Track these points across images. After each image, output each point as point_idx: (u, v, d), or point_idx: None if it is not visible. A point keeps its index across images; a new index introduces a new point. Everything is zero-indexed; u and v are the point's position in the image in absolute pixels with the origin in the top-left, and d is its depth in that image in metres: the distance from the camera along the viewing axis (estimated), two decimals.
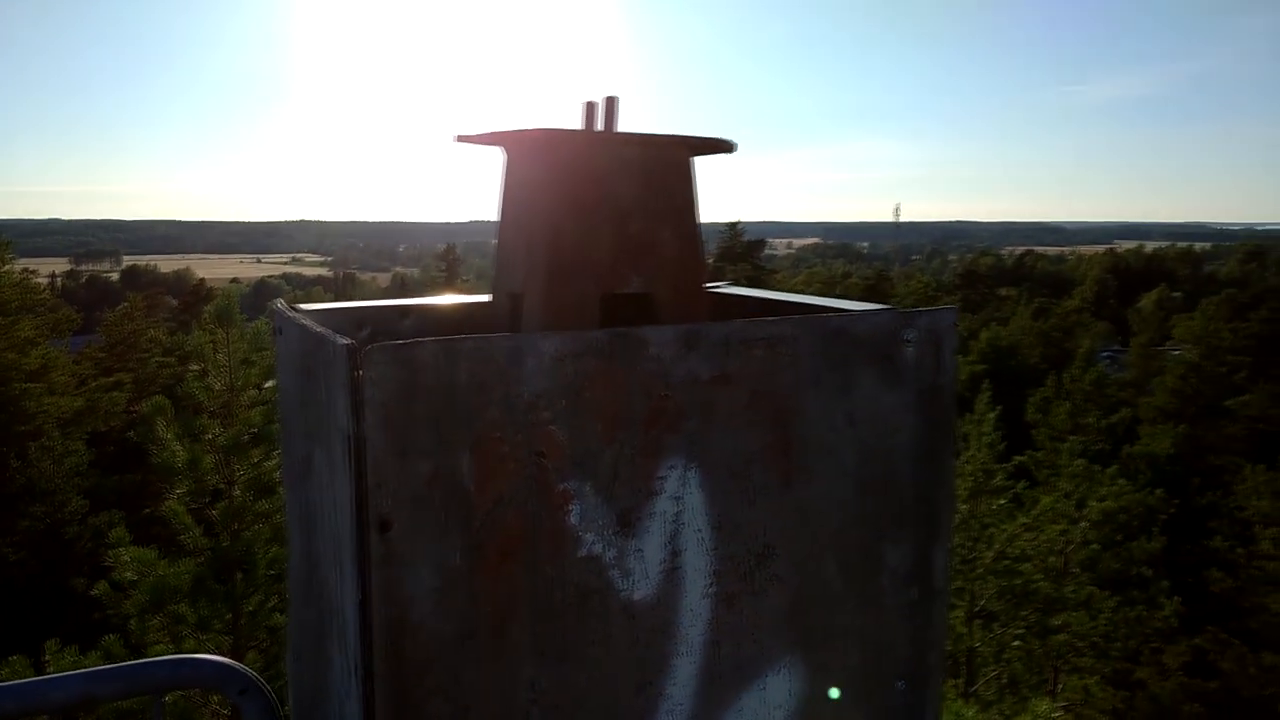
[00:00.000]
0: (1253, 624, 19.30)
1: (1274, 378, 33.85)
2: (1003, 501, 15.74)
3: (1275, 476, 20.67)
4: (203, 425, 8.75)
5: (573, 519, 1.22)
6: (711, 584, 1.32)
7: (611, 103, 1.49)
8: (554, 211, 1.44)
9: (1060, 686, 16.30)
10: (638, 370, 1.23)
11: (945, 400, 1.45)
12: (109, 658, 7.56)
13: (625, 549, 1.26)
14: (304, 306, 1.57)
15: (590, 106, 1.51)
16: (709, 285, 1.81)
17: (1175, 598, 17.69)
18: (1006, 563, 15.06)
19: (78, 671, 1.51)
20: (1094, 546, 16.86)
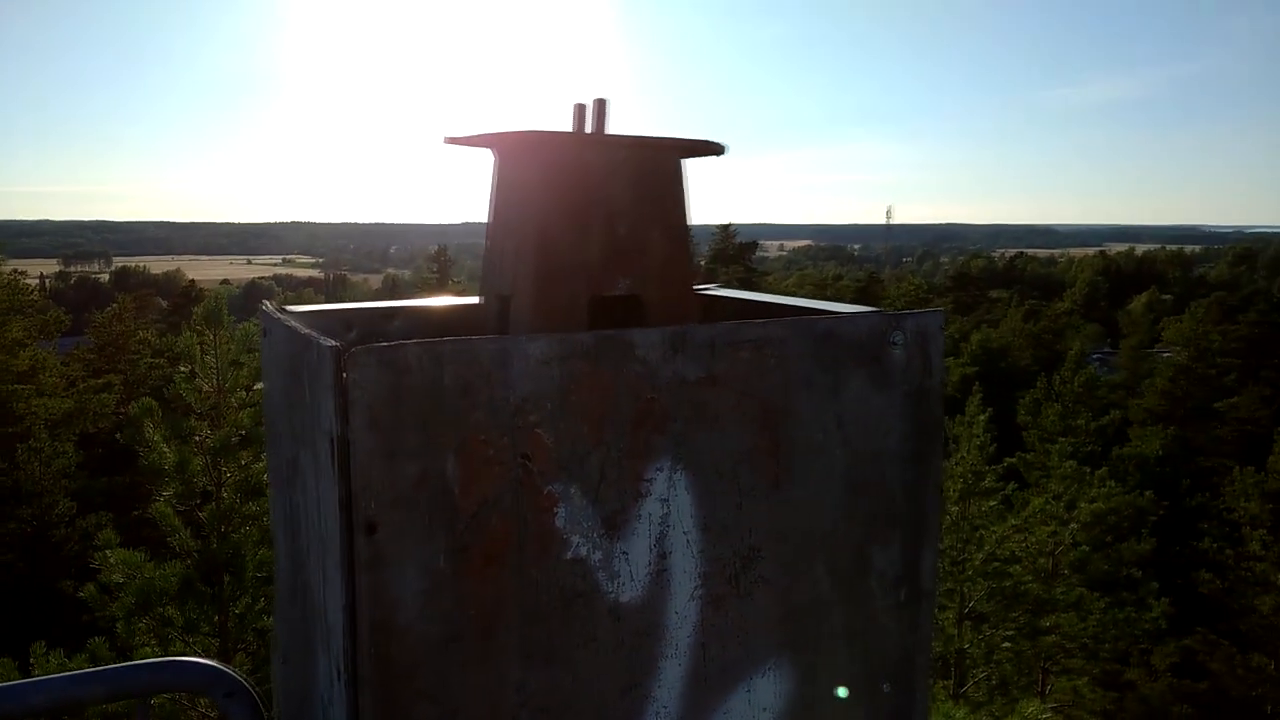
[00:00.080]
0: (1241, 625, 19.39)
1: (1263, 380, 34.03)
2: (993, 503, 15.79)
3: (1264, 478, 20.77)
4: (191, 427, 8.73)
5: (559, 521, 1.22)
6: (699, 586, 1.32)
7: (601, 105, 1.49)
8: (543, 214, 1.44)
9: (1050, 687, 16.35)
10: (624, 372, 1.23)
11: (933, 402, 1.45)
12: (95, 660, 7.53)
13: (612, 551, 1.26)
14: (291, 308, 1.56)
15: (580, 108, 1.50)
16: (699, 287, 1.81)
17: (1164, 599, 17.76)
18: (997, 564, 15.10)
19: (60, 675, 1.50)
20: (1084, 548, 16.93)
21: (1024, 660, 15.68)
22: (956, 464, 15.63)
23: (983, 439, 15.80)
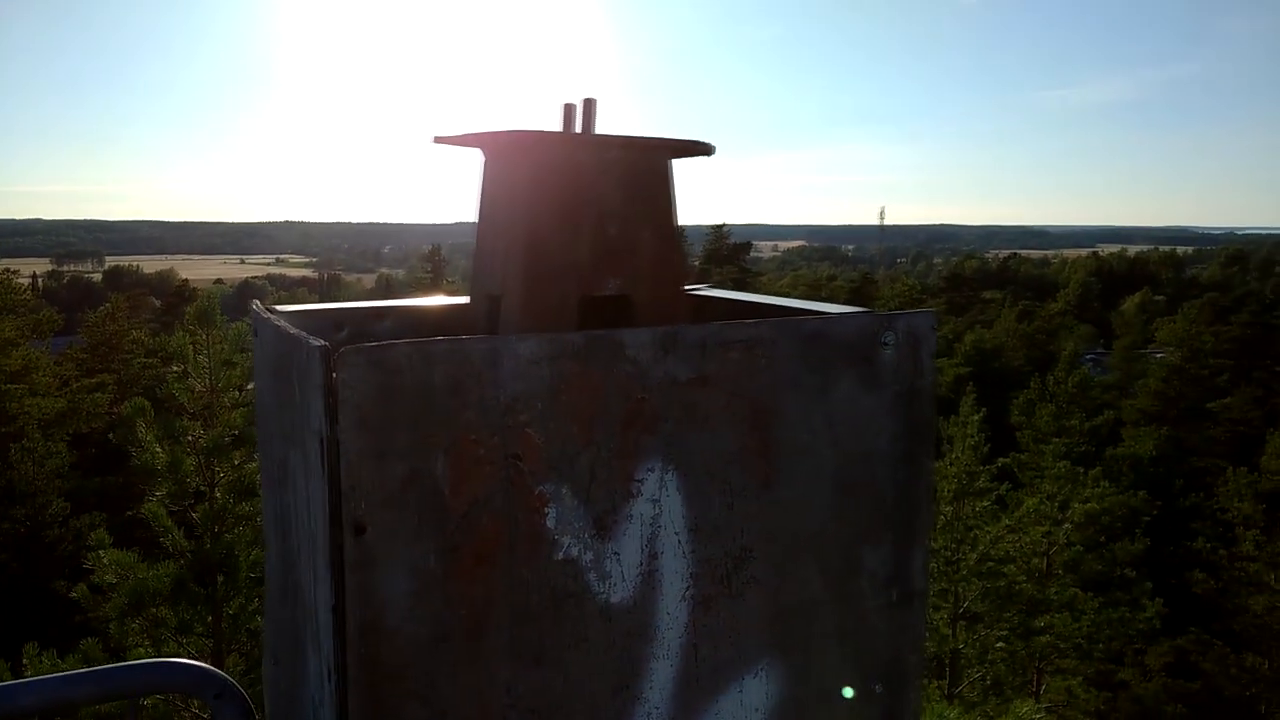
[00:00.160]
0: (1234, 625, 19.45)
1: (1255, 381, 34.13)
2: (987, 503, 15.81)
3: (1257, 479, 20.84)
4: (184, 427, 8.70)
5: (549, 522, 1.22)
6: (689, 587, 1.32)
7: (590, 104, 1.49)
8: (532, 213, 1.44)
9: (1043, 687, 16.37)
10: (615, 372, 1.23)
11: (924, 402, 1.45)
12: (88, 661, 7.51)
13: (602, 552, 1.25)
14: (281, 308, 1.56)
15: (569, 108, 1.50)
16: (689, 288, 1.81)
17: (1158, 599, 17.80)
18: (990, 564, 15.12)
19: (51, 675, 1.49)
20: (1077, 548, 16.97)
21: (1018, 660, 15.71)
22: (950, 464, 15.65)
23: (976, 439, 15.81)
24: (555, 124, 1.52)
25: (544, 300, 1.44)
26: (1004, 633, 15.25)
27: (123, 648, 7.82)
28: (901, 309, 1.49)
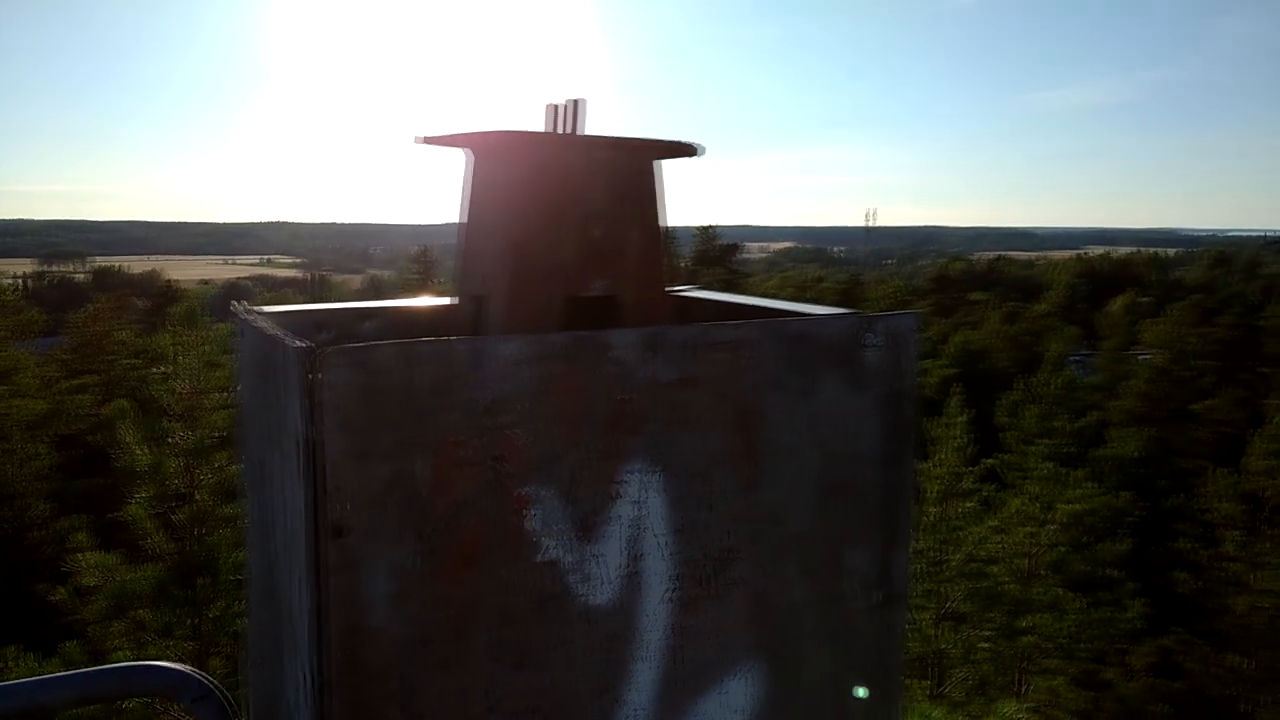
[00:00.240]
0: (1217, 625, 19.55)
1: (1239, 382, 34.37)
2: (972, 504, 15.87)
3: (1240, 480, 20.95)
4: (167, 429, 8.65)
5: (532, 524, 1.21)
6: (672, 589, 1.31)
7: (576, 105, 1.49)
8: (517, 214, 1.43)
9: (1028, 687, 16.44)
10: (599, 373, 1.23)
11: (907, 404, 1.46)
12: (69, 664, 7.46)
13: (585, 554, 1.25)
14: (264, 309, 1.55)
15: (555, 109, 1.50)
16: (674, 289, 1.81)
17: (1142, 599, 17.89)
18: (975, 565, 15.19)
19: (28, 679, 1.48)
20: (1062, 549, 17.04)
21: (1002, 660, 15.77)
22: (936, 465, 15.70)
23: (962, 440, 15.88)
24: (541, 124, 1.52)
25: (529, 301, 1.44)
26: (989, 633, 15.31)
27: (105, 650, 7.77)
28: (889, 310, 1.49)
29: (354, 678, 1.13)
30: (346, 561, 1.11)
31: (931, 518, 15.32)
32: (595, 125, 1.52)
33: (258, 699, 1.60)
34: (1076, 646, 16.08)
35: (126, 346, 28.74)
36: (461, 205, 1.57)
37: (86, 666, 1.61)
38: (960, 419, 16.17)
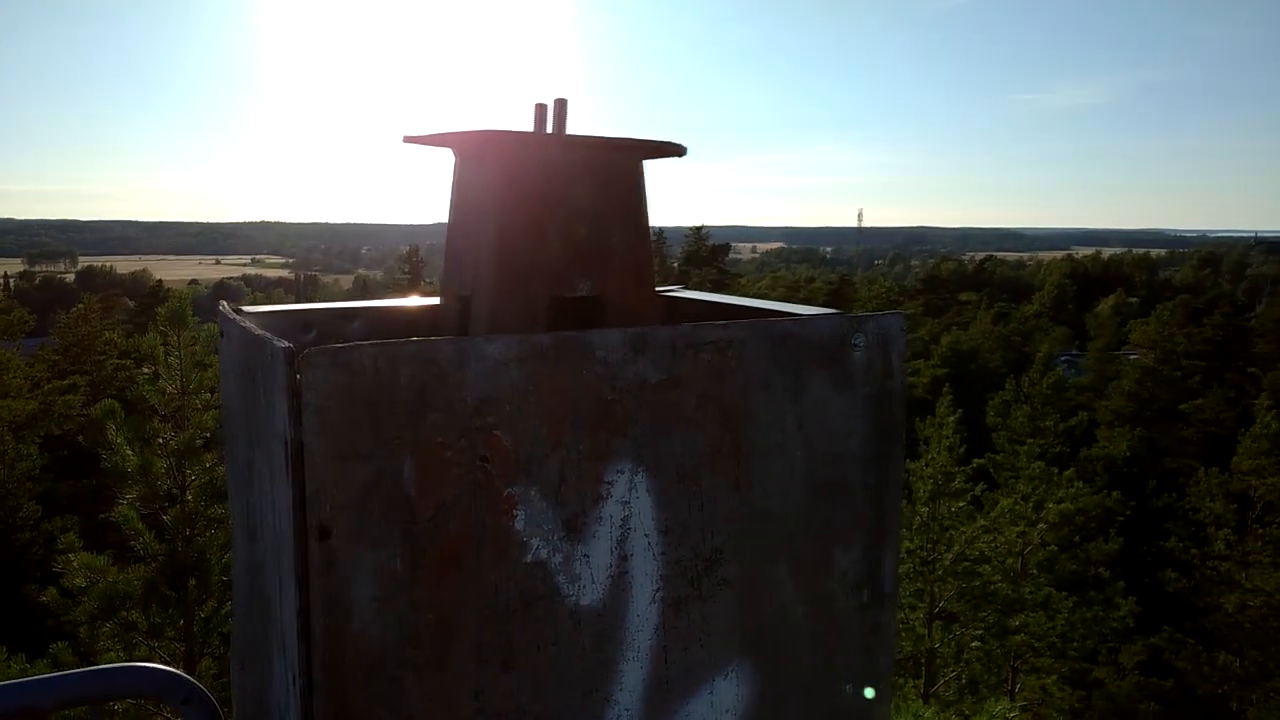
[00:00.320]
0: (1207, 623, 19.64)
1: (1227, 382, 34.53)
2: (962, 504, 15.89)
3: (1228, 479, 21.05)
4: (155, 429, 8.62)
5: (518, 524, 1.21)
6: (660, 589, 1.31)
7: (561, 105, 1.48)
8: (502, 214, 1.43)
9: (1019, 686, 16.48)
10: (585, 374, 1.22)
11: (894, 404, 1.46)
12: (58, 665, 7.42)
13: (572, 554, 1.25)
14: (249, 309, 1.55)
15: (540, 108, 1.49)
16: (661, 289, 1.80)
17: (1131, 598, 17.95)
18: (966, 564, 15.21)
19: (13, 681, 1.47)
20: (1052, 548, 17.09)
21: (993, 659, 15.80)
22: (926, 465, 15.73)
23: (952, 440, 15.90)
24: (527, 124, 1.52)
25: (514, 301, 1.43)
26: (979, 632, 15.34)
27: (93, 652, 7.73)
28: (880, 310, 1.49)
29: (340, 679, 1.12)
30: (332, 563, 1.10)
31: (922, 517, 15.34)
32: (581, 126, 1.51)
33: (244, 701, 1.60)
34: (1067, 645, 16.13)
35: (115, 347, 28.62)
36: (447, 205, 1.57)
37: (75, 668, 1.60)
38: (950, 419, 16.20)
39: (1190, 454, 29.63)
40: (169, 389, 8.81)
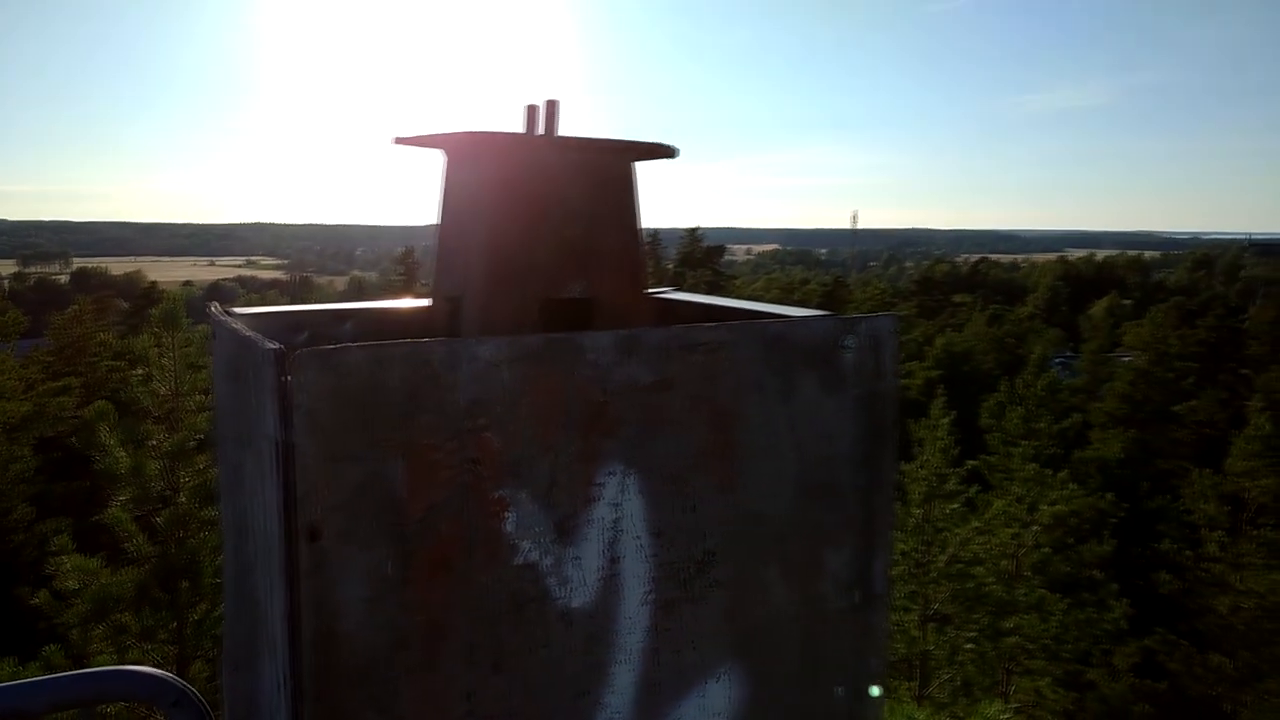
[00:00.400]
0: (1200, 625, 19.69)
1: (1220, 384, 34.62)
2: (956, 505, 15.91)
3: (1221, 480, 21.11)
4: (147, 431, 8.59)
5: (509, 526, 1.21)
6: (650, 591, 1.31)
7: (552, 106, 1.48)
8: (493, 215, 1.43)
9: (1012, 688, 16.50)
10: (575, 376, 1.22)
11: (886, 405, 1.46)
12: (49, 668, 7.39)
13: (563, 556, 1.25)
14: (239, 310, 1.54)
15: (531, 110, 1.49)
16: (653, 291, 1.80)
17: (1124, 600, 17.98)
18: (959, 566, 15.23)
19: (3, 684, 1.47)
20: (1045, 550, 17.11)
21: (987, 661, 15.82)
22: (920, 467, 15.75)
23: (946, 442, 15.93)
24: (519, 125, 1.51)
25: (505, 302, 1.43)
26: (973, 634, 15.35)
27: (86, 654, 7.71)
28: (874, 312, 1.49)
29: (329, 682, 1.12)
30: (321, 564, 1.10)
31: (915, 519, 15.36)
32: (574, 128, 1.51)
33: (234, 703, 1.59)
34: (1060, 647, 16.15)
35: (108, 348, 28.54)
36: (438, 206, 1.57)
37: (67, 671, 1.59)
38: (944, 421, 16.22)
39: (1183, 456, 29.70)
40: (162, 390, 8.79)
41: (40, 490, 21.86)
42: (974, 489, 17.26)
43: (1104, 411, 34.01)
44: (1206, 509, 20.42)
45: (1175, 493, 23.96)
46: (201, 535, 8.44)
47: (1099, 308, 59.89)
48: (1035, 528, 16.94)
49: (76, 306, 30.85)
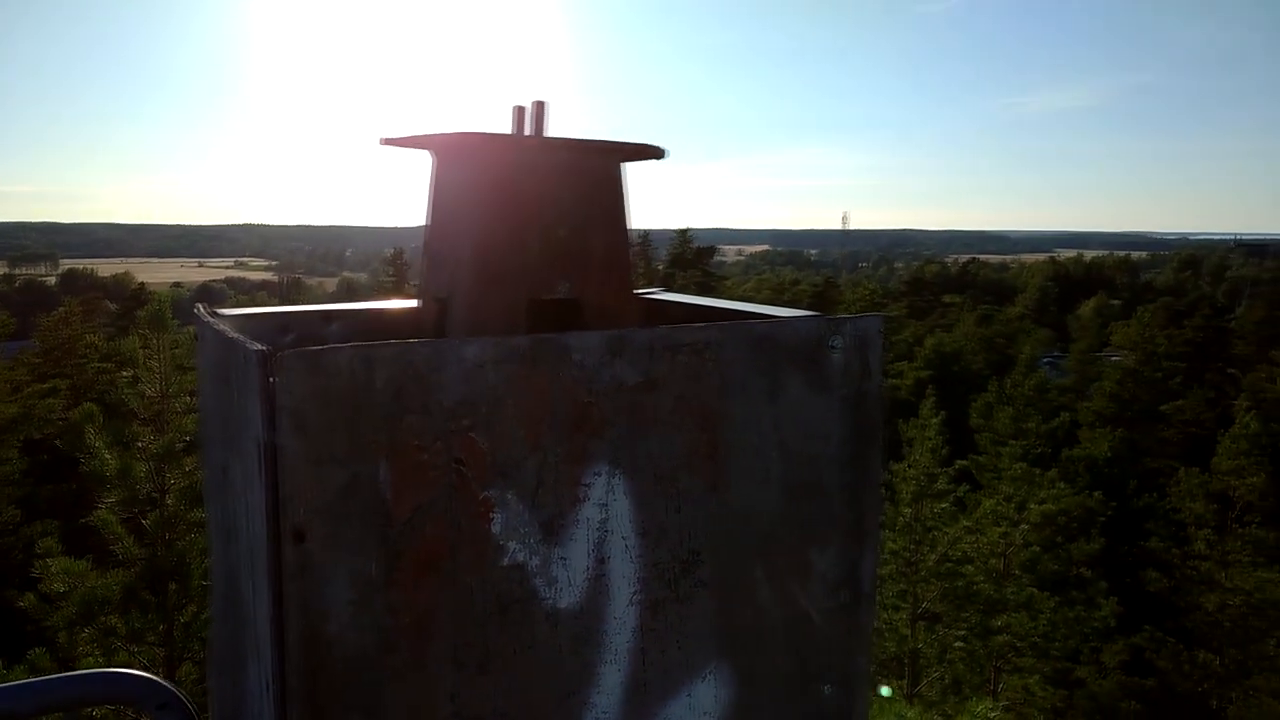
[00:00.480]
0: (1187, 623, 19.80)
1: (1207, 383, 34.81)
2: (946, 505, 15.97)
3: (1208, 479, 21.22)
4: (135, 432, 8.55)
5: (495, 527, 1.20)
6: (638, 591, 1.31)
7: (540, 107, 1.48)
8: (480, 216, 1.43)
9: (1001, 686, 16.56)
10: (562, 376, 1.22)
11: (872, 406, 1.46)
12: (35, 671, 7.36)
13: (550, 557, 1.25)
14: (225, 311, 1.54)
15: (519, 110, 1.49)
16: (642, 291, 1.81)
17: (1113, 598, 18.08)
18: (949, 565, 15.29)
19: None
20: (1034, 548, 17.18)
21: (976, 659, 15.88)
22: (910, 466, 15.80)
23: (936, 442, 15.98)
24: (507, 126, 1.51)
25: (492, 303, 1.43)
26: (963, 632, 15.41)
27: (73, 657, 7.68)
28: (864, 313, 1.49)
29: (315, 685, 1.12)
30: (306, 566, 1.09)
31: (905, 518, 15.41)
32: (563, 129, 1.51)
33: (220, 706, 1.59)
34: (1049, 645, 16.22)
35: (96, 350, 28.41)
36: (426, 207, 1.56)
37: (54, 674, 1.59)
38: (934, 420, 16.28)
39: (1171, 454, 29.86)
40: (149, 392, 8.75)
41: (27, 492, 21.75)
42: (963, 488, 17.34)
43: (1092, 411, 34.15)
44: (1194, 507, 20.54)
45: (1163, 491, 24.08)
46: (190, 537, 8.40)
47: (1087, 308, 60.16)
48: (1024, 526, 17.01)
49: (64, 308, 30.73)
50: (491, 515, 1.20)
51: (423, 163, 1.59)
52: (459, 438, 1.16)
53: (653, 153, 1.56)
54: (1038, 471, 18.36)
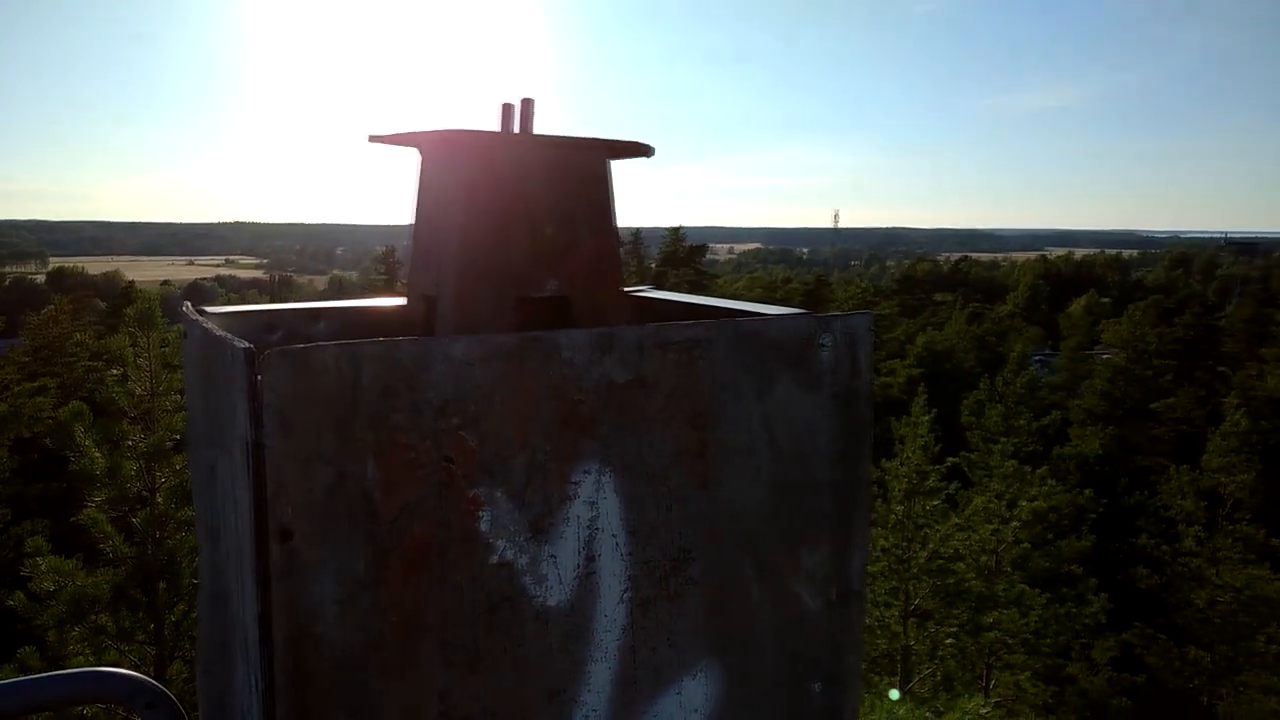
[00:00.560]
0: (1177, 619, 19.88)
1: (1197, 381, 34.95)
2: (937, 502, 16.00)
3: (1198, 476, 21.30)
4: (124, 431, 8.52)
5: (484, 525, 1.20)
6: (627, 589, 1.31)
7: (527, 105, 1.48)
8: (468, 214, 1.42)
9: (993, 682, 16.61)
10: (550, 374, 1.22)
11: (861, 403, 1.46)
12: (24, 670, 7.32)
13: (539, 555, 1.24)
14: (212, 310, 1.53)
15: (507, 108, 1.49)
16: (630, 289, 1.80)
17: (1103, 595, 18.12)
18: (940, 562, 15.32)
19: None
20: (1025, 545, 17.23)
21: (967, 656, 15.92)
22: (901, 464, 15.83)
23: (927, 439, 16.01)
24: (494, 124, 1.51)
25: (480, 301, 1.42)
26: (954, 629, 15.45)
27: (62, 656, 7.64)
28: (855, 311, 1.49)
29: (302, 684, 1.11)
30: (292, 566, 1.09)
31: (896, 516, 15.44)
32: (552, 127, 1.51)
33: (208, 705, 1.58)
34: (1040, 642, 16.27)
35: (85, 348, 28.29)
36: (413, 205, 1.56)
37: (43, 673, 1.58)
38: (925, 418, 16.31)
39: (1161, 452, 29.97)
40: (138, 390, 8.71)
41: (16, 491, 21.65)
42: (954, 485, 17.37)
43: (1083, 408, 34.27)
44: (1184, 504, 20.62)
45: (1153, 488, 24.16)
46: (179, 536, 8.38)
47: (1078, 306, 60.35)
48: (1015, 524, 17.06)
49: (53, 306, 30.58)
50: (480, 513, 1.19)
51: (412, 160, 1.58)
52: (447, 436, 1.16)
53: (641, 150, 1.55)
54: (1028, 469, 18.40)
